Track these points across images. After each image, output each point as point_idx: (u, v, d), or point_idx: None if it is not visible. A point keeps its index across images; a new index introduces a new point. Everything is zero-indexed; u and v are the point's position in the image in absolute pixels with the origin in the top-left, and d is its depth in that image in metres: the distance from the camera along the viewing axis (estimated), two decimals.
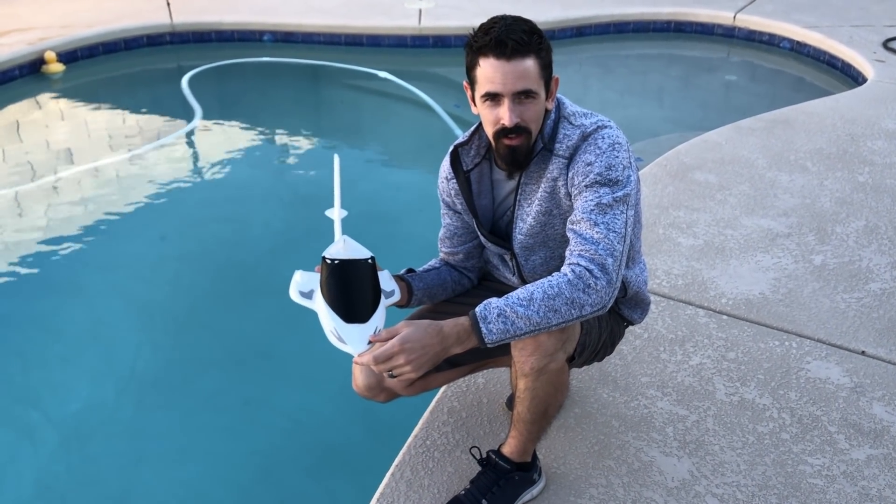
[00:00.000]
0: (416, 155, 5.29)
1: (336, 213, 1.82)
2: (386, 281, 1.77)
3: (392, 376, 1.58)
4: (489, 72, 1.61)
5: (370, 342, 1.58)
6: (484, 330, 1.56)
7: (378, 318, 1.63)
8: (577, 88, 6.38)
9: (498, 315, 1.55)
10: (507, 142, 1.68)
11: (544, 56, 1.64)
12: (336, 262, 1.67)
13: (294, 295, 1.67)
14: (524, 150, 1.70)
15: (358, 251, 1.73)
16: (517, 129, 1.65)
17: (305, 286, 1.68)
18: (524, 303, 1.55)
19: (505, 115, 1.63)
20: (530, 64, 1.61)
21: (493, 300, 1.58)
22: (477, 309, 1.57)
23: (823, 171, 4.02)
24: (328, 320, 1.61)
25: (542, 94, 1.66)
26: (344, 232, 1.81)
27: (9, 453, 2.68)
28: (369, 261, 1.71)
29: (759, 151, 4.26)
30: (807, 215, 3.54)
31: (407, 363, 1.54)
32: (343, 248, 1.73)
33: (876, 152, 4.27)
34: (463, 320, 1.58)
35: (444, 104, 5.76)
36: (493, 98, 1.64)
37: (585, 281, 1.56)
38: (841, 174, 3.99)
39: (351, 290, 1.65)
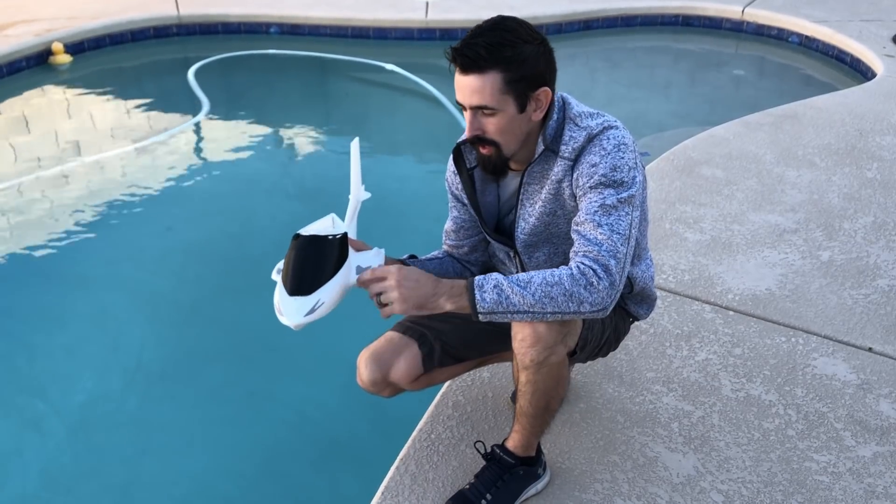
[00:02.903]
0: (423, 148, 5.28)
1: (353, 196, 1.79)
2: (370, 258, 1.70)
3: (381, 304, 1.59)
4: (456, 81, 1.63)
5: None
6: (478, 296, 1.56)
7: (325, 293, 1.58)
8: (585, 82, 6.35)
9: (494, 286, 1.56)
10: (479, 149, 1.70)
11: (515, 69, 1.58)
12: (297, 236, 1.64)
13: (274, 273, 1.68)
14: (495, 161, 1.70)
15: (330, 229, 1.69)
16: (480, 141, 1.67)
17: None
18: (523, 283, 1.56)
19: (466, 126, 1.66)
20: (488, 79, 1.58)
21: (494, 274, 1.60)
22: (476, 277, 1.59)
23: (831, 166, 4.00)
24: (276, 292, 1.61)
25: (510, 108, 1.62)
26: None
27: (14, 444, 2.69)
28: (334, 237, 1.63)
29: (766, 147, 4.24)
30: (814, 211, 3.52)
31: (396, 288, 1.57)
32: (326, 225, 1.71)
33: (884, 148, 4.25)
34: (460, 281, 1.61)
35: (450, 97, 5.70)
36: (461, 106, 1.66)
37: (588, 279, 1.55)
38: (849, 170, 3.97)
39: (302, 264, 1.61)
